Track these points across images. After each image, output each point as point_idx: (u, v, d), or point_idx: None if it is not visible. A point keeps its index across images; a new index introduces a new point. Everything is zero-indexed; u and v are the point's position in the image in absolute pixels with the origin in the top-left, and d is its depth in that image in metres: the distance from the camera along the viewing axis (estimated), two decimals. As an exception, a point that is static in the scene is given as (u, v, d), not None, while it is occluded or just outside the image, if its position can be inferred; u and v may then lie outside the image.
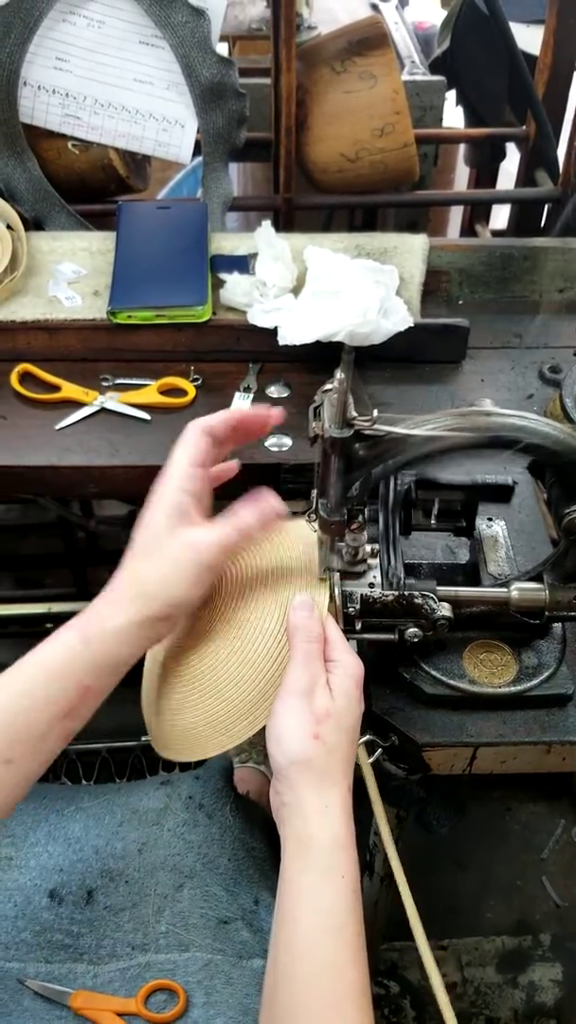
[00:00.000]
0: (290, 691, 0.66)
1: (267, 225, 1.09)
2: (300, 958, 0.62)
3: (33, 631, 1.79)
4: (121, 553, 2.06)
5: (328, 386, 0.66)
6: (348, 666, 0.68)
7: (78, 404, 1.03)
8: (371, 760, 0.76)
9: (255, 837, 0.98)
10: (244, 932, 0.90)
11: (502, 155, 1.61)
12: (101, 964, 0.88)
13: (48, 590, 1.89)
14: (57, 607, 1.74)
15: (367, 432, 0.65)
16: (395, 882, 0.77)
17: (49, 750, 0.68)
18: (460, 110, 1.65)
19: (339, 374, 0.63)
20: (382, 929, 1.12)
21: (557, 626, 0.80)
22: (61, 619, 1.85)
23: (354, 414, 0.65)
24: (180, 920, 0.90)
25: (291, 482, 0.97)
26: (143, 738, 1.63)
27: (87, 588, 1.81)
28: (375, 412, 0.65)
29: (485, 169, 1.65)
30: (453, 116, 1.62)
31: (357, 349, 0.97)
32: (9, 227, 1.13)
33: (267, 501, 0.70)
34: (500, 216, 1.81)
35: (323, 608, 0.70)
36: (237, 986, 0.85)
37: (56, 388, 1.04)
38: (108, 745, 1.65)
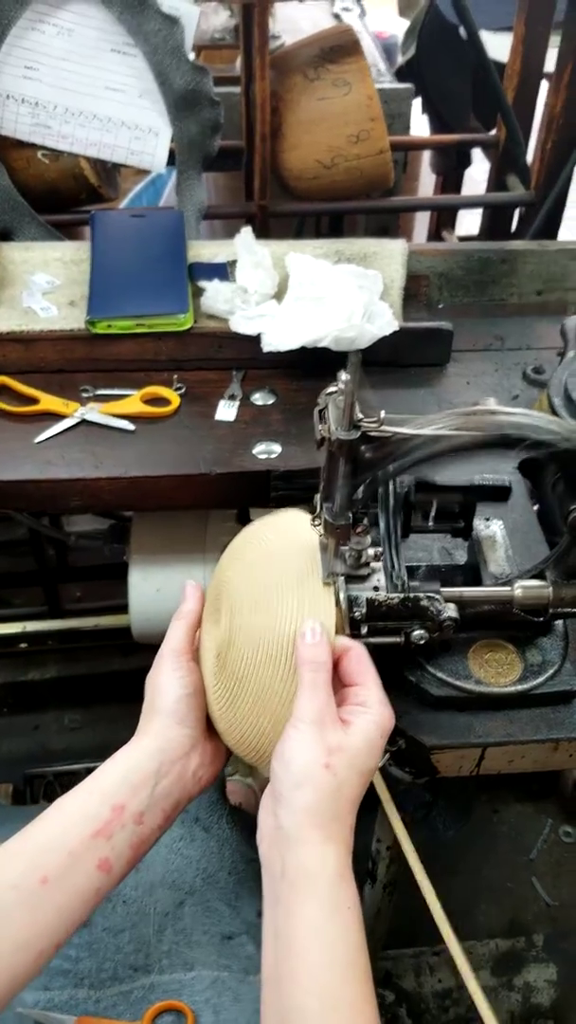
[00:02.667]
0: (300, 718, 0.65)
1: (247, 231, 1.08)
2: (311, 993, 0.59)
3: (5, 652, 1.76)
4: (93, 570, 2.04)
5: (332, 388, 0.65)
6: (378, 715, 0.66)
7: (58, 416, 1.01)
8: (379, 765, 0.75)
9: (254, 848, 0.96)
10: (249, 946, 0.89)
11: (468, 161, 1.63)
12: (103, 988, 0.86)
13: (19, 609, 1.85)
14: (31, 626, 1.71)
15: (373, 434, 0.65)
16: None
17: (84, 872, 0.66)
18: (425, 118, 1.67)
19: (344, 376, 0.62)
20: (382, 938, 1.11)
21: (559, 623, 0.80)
22: (36, 637, 1.82)
23: (360, 416, 0.64)
24: (183, 938, 0.88)
25: (281, 489, 0.96)
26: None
27: (59, 606, 1.78)
28: (382, 413, 0.64)
29: (451, 175, 1.66)
30: (419, 124, 1.64)
31: (341, 354, 0.97)
32: (-19, 238, 1.12)
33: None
34: (464, 222, 1.83)
35: (331, 631, 0.69)
36: (246, 1002, 0.84)
37: (34, 400, 1.02)
38: (86, 765, 1.62)
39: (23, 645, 1.75)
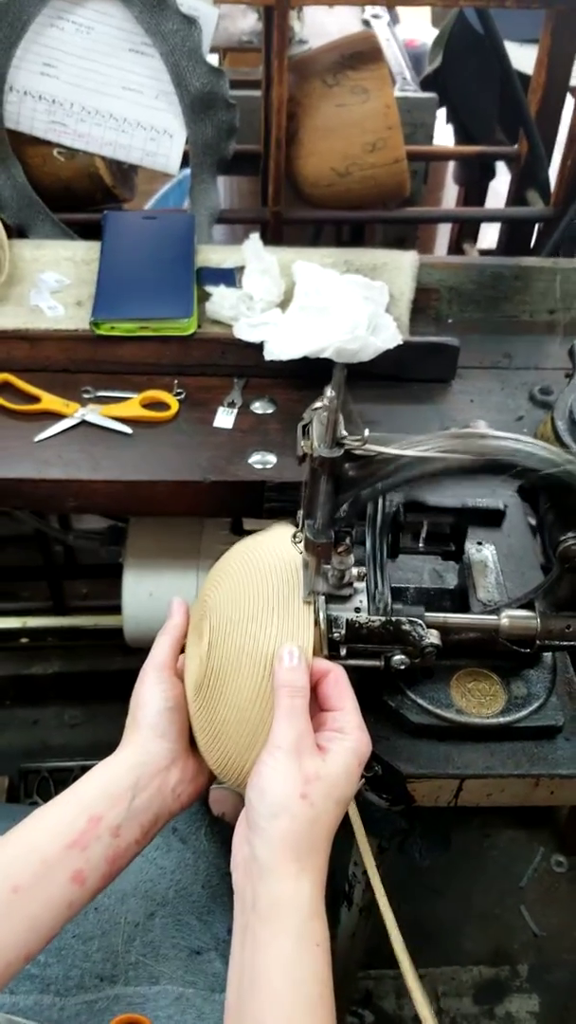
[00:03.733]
0: (276, 745, 0.63)
1: (255, 238, 1.07)
2: None
3: (8, 646, 1.77)
4: (99, 568, 2.03)
5: (318, 404, 0.64)
6: (356, 741, 0.65)
7: (58, 416, 1.00)
8: (355, 792, 0.74)
9: (230, 862, 0.95)
10: (217, 963, 0.87)
11: (491, 174, 1.61)
12: (68, 996, 0.84)
13: (24, 603, 1.85)
14: (33, 621, 1.71)
15: (357, 452, 0.63)
16: (377, 912, 0.74)
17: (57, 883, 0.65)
18: (450, 128, 1.65)
19: (329, 392, 0.61)
20: (359, 960, 1.09)
21: (547, 655, 0.78)
22: (37, 633, 1.84)
23: (344, 433, 0.63)
24: (151, 951, 0.87)
25: (275, 500, 0.95)
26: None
27: (63, 602, 1.78)
28: (366, 432, 0.63)
29: (474, 187, 1.64)
30: (443, 134, 1.62)
31: (345, 366, 0.95)
32: (-9, 233, 1.11)
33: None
34: (487, 235, 1.80)
35: (308, 652, 0.68)
36: (208, 1021, 0.82)
37: (36, 399, 1.01)
38: (82, 763, 1.62)
39: (24, 640, 1.75)
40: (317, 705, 0.69)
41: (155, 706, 0.73)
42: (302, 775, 0.62)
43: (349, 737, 0.65)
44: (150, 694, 0.74)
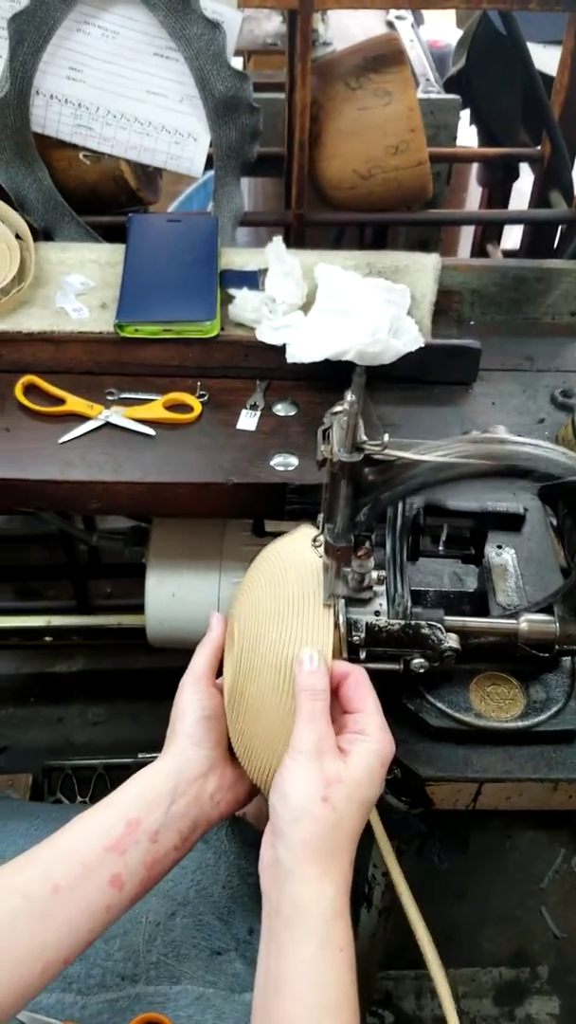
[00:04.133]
0: (298, 749, 0.64)
1: (278, 241, 1.07)
2: None
3: (33, 644, 1.78)
4: (122, 567, 2.04)
5: (338, 408, 0.64)
6: (378, 742, 0.66)
7: (82, 418, 1.01)
8: (379, 794, 0.74)
9: (251, 863, 0.96)
10: (237, 963, 0.88)
11: (515, 175, 1.60)
12: (90, 994, 0.85)
13: (49, 602, 1.87)
14: (57, 620, 1.73)
15: (377, 457, 0.64)
16: (397, 913, 0.74)
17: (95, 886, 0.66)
18: (474, 130, 1.64)
19: (349, 396, 0.61)
20: (379, 962, 1.10)
21: (566, 659, 0.78)
22: (61, 632, 1.86)
23: (364, 438, 0.63)
24: (172, 950, 0.88)
25: (296, 502, 0.95)
26: (140, 755, 1.61)
27: (87, 601, 1.79)
28: (386, 436, 0.63)
29: (498, 189, 1.64)
30: (467, 135, 1.61)
31: (366, 369, 0.96)
32: (18, 237, 1.12)
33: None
34: (511, 236, 1.80)
35: (328, 656, 0.69)
36: (228, 1021, 0.83)
37: (61, 401, 1.02)
38: (105, 761, 1.63)
39: (48, 639, 1.76)
40: (339, 708, 0.69)
41: (192, 715, 0.75)
42: (323, 778, 0.62)
43: (371, 739, 0.65)
44: (187, 704, 0.76)
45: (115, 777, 1.61)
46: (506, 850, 1.48)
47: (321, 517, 0.70)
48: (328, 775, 0.63)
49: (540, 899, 1.43)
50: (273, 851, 0.63)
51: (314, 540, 0.71)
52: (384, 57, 1.15)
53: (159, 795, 0.70)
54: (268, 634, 0.71)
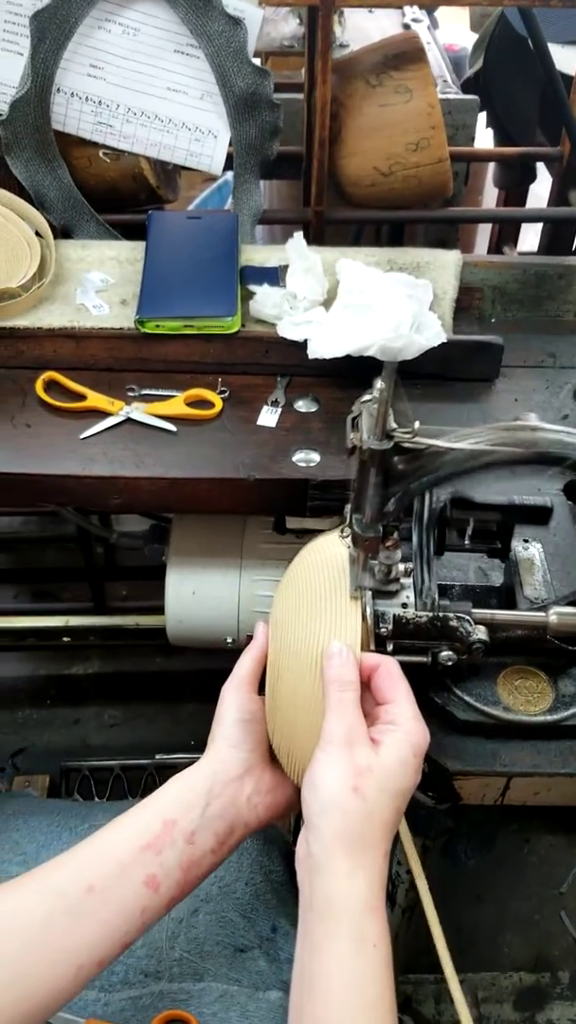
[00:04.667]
0: (328, 740, 0.64)
1: (298, 237, 1.07)
2: None
3: (50, 644, 1.79)
4: (139, 570, 2.03)
5: (367, 396, 0.64)
6: (411, 733, 0.65)
7: (103, 414, 1.01)
8: (415, 785, 0.73)
9: (273, 860, 0.95)
10: (261, 961, 0.87)
11: (532, 176, 1.60)
12: (113, 991, 0.85)
13: (66, 604, 1.87)
14: (75, 621, 1.73)
15: (407, 445, 0.63)
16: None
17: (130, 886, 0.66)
18: (491, 132, 1.64)
19: (379, 383, 0.61)
20: (400, 962, 1.09)
21: (595, 653, 0.77)
22: (78, 633, 1.87)
23: (394, 425, 0.63)
24: (195, 947, 0.87)
25: (318, 499, 0.95)
26: (157, 756, 1.61)
27: (104, 603, 1.79)
28: (416, 424, 0.62)
29: (514, 191, 1.63)
30: (483, 139, 1.61)
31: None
32: (38, 234, 1.12)
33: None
34: (527, 239, 1.79)
35: (356, 648, 0.68)
36: (253, 1019, 0.82)
37: (82, 397, 1.02)
38: (122, 762, 1.63)
39: (66, 639, 1.77)
40: (372, 700, 0.69)
41: (230, 718, 0.74)
42: (354, 768, 0.62)
43: (401, 728, 0.65)
44: (227, 708, 0.75)
45: (132, 778, 1.61)
46: (525, 855, 1.46)
47: (348, 507, 0.70)
48: (359, 765, 0.62)
49: (560, 904, 1.41)
50: (306, 845, 0.62)
51: (341, 531, 0.71)
52: (404, 54, 1.15)
53: (196, 796, 0.70)
54: (298, 630, 0.71)
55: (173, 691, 1.78)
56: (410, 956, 1.22)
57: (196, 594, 1.08)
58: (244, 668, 0.78)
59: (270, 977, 0.85)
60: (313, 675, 0.68)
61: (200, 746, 0.74)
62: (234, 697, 0.76)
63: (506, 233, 1.66)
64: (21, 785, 1.58)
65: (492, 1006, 1.31)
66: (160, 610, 1.10)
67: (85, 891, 0.64)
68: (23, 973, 0.61)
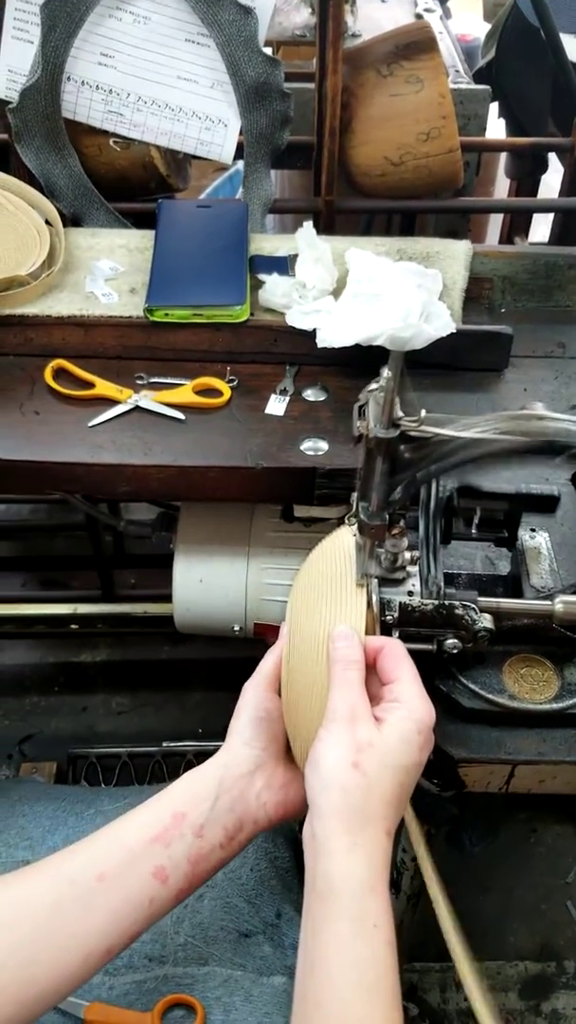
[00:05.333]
0: (331, 718, 0.64)
1: (308, 226, 1.07)
2: (332, 1017, 0.58)
3: (58, 631, 1.79)
4: (146, 558, 2.04)
5: (374, 384, 0.64)
6: (414, 710, 0.65)
7: (112, 402, 1.01)
8: (423, 761, 0.74)
9: (279, 846, 0.96)
10: (266, 947, 0.87)
11: (544, 167, 1.59)
12: (117, 975, 0.86)
13: (74, 591, 1.88)
14: (83, 608, 1.74)
15: (413, 433, 0.63)
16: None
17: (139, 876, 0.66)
18: (502, 122, 1.63)
19: (386, 372, 0.61)
20: (405, 951, 1.09)
21: (601, 642, 0.77)
22: (87, 620, 1.87)
23: (400, 414, 0.63)
24: (200, 932, 0.88)
25: (326, 487, 0.95)
26: (164, 743, 1.62)
27: (112, 591, 1.80)
28: (423, 412, 0.63)
29: (526, 181, 1.63)
30: (495, 129, 1.61)
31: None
32: (48, 222, 1.12)
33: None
34: (538, 230, 1.79)
35: (361, 633, 0.68)
36: (257, 1004, 0.83)
37: (90, 385, 1.02)
38: (129, 749, 1.64)
39: (74, 626, 1.77)
40: (378, 681, 0.69)
41: (245, 715, 0.75)
42: (355, 744, 0.62)
43: (405, 706, 0.65)
44: (243, 705, 0.76)
45: (139, 765, 1.62)
46: (531, 844, 1.46)
47: (355, 495, 0.70)
48: (360, 741, 0.62)
49: (566, 893, 1.42)
50: (311, 827, 0.63)
51: (348, 519, 0.71)
52: (416, 44, 1.15)
53: (206, 789, 0.71)
54: (306, 619, 0.72)
55: (181, 679, 1.79)
56: (415, 944, 1.23)
57: (204, 582, 1.08)
58: (267, 666, 0.78)
59: (274, 962, 0.86)
60: (320, 658, 0.68)
61: (207, 734, 0.75)
62: (252, 694, 0.76)
63: (517, 223, 1.65)
64: (28, 772, 1.59)
65: (498, 995, 1.32)
66: (168, 598, 1.10)
67: (96, 879, 0.65)
68: (32, 959, 0.62)
